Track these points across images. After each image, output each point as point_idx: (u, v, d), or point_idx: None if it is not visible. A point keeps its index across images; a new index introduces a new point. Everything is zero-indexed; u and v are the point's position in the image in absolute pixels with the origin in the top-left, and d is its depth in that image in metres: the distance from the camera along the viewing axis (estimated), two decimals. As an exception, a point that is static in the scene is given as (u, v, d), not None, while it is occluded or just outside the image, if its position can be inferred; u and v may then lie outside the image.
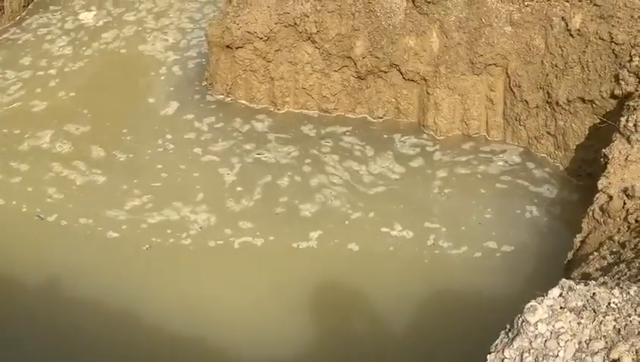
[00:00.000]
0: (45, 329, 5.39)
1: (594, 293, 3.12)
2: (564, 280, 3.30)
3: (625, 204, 5.15)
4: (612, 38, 6.08)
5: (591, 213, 5.30)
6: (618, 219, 5.18)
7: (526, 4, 6.35)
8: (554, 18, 6.28)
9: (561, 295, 3.15)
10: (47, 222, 6.06)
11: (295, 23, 6.66)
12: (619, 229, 5.11)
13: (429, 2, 6.50)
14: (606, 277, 4.50)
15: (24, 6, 7.98)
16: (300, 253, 5.89)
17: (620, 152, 5.39)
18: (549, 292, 3.14)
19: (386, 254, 5.89)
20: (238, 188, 6.32)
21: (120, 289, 5.57)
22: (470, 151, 6.53)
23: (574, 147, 6.35)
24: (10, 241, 5.97)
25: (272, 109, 6.84)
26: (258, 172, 6.44)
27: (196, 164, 6.48)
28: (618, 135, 5.53)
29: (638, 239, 4.86)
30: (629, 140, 5.41)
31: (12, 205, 6.22)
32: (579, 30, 6.21)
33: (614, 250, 4.97)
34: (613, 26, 6.10)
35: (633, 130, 5.42)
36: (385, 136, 6.57)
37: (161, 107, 6.85)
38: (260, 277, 5.70)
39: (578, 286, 3.20)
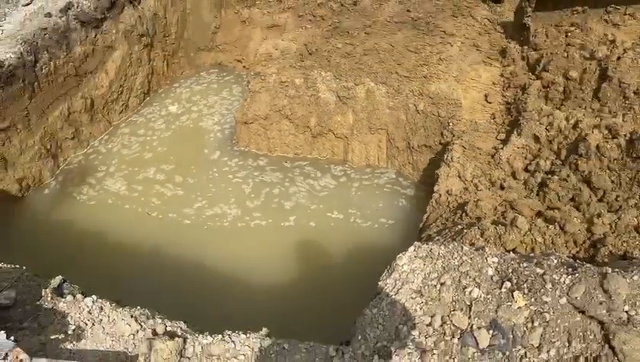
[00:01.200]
0: (152, 271, 5.64)
1: (431, 249, 3.26)
2: (415, 242, 3.42)
3: (447, 198, 5.38)
4: (439, 114, 6.32)
5: (431, 203, 5.49)
6: (444, 206, 5.39)
7: (396, 98, 6.60)
8: (410, 105, 6.54)
9: (414, 249, 3.28)
10: (152, 217, 6.28)
11: (279, 110, 6.88)
12: (444, 211, 5.30)
13: (347, 98, 6.75)
14: (439, 238, 4.78)
15: (139, 104, 7.98)
16: (285, 228, 6.14)
17: (444, 172, 5.61)
18: (409, 248, 3.31)
19: (329, 227, 6.12)
20: (252, 195, 6.53)
21: (191, 249, 5.79)
22: (370, 172, 6.76)
23: (422, 170, 6.56)
24: (133, 227, 6.14)
25: (269, 154, 7.00)
26: (262, 186, 6.62)
27: (229, 183, 6.67)
28: (443, 163, 5.75)
29: (453, 216, 5.10)
30: (448, 166, 5.64)
31: (133, 208, 6.39)
32: (423, 111, 6.46)
33: (442, 222, 5.21)
34: (439, 108, 6.34)
35: (450, 161, 5.66)
36: (326, 166, 6.80)
37: (210, 154, 7.07)
38: (264, 241, 5.99)
39: (423, 245, 3.33)
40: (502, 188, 5.19)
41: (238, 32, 8.54)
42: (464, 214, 4.73)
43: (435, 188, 5.42)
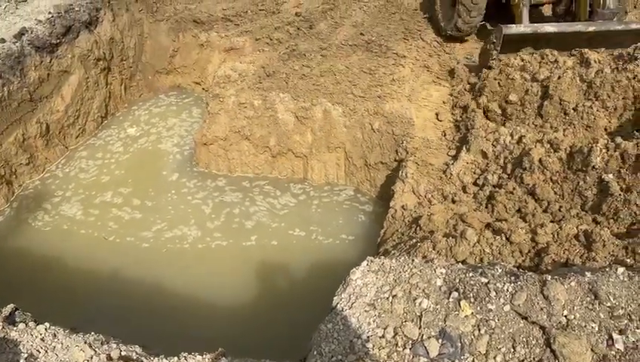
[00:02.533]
0: (110, 295, 5.44)
1: (383, 263, 3.27)
2: (368, 257, 3.38)
3: (403, 213, 5.45)
4: (393, 132, 6.46)
5: (387, 218, 5.53)
6: (399, 221, 5.44)
7: (352, 118, 6.71)
8: (365, 124, 6.65)
9: (367, 264, 3.29)
10: (109, 241, 6.07)
11: (238, 131, 6.88)
12: (400, 226, 5.34)
13: (305, 118, 6.82)
14: (395, 251, 4.83)
15: (97, 127, 7.81)
16: (247, 247, 6.04)
17: (399, 188, 5.69)
18: (362, 263, 3.31)
19: (291, 245, 6.07)
20: (212, 216, 6.40)
21: (150, 272, 5.64)
22: (329, 190, 6.76)
23: (379, 186, 6.65)
24: (89, 252, 5.94)
25: (229, 174, 6.93)
26: (222, 207, 6.52)
27: (188, 205, 6.52)
28: (398, 180, 5.84)
29: (408, 230, 5.17)
30: (403, 182, 5.74)
31: (89, 233, 6.19)
32: (378, 129, 6.58)
33: (399, 236, 5.26)
34: (393, 126, 6.48)
35: (404, 177, 5.76)
36: (286, 185, 6.76)
37: (169, 176, 6.92)
38: (226, 261, 5.88)
39: (376, 259, 3.33)
40: (453, 201, 5.31)
41: (196, 55, 8.53)
42: (418, 228, 4.81)
43: (391, 203, 5.49)
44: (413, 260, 3.21)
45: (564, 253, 3.73)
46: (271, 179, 6.97)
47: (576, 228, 3.90)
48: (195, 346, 3.21)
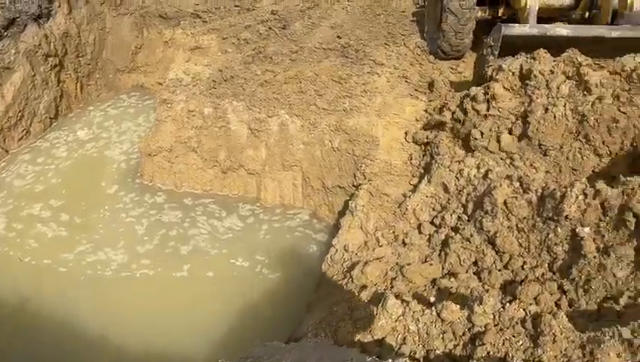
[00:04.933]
0: (10, 328, 4.93)
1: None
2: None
3: (343, 255, 4.82)
4: (354, 152, 5.81)
5: (326, 260, 4.88)
6: (338, 265, 4.77)
7: (311, 133, 6.07)
8: (325, 141, 6.03)
9: None
10: (24, 262, 5.54)
11: (185, 142, 6.32)
12: (337, 272, 4.69)
13: (260, 131, 6.20)
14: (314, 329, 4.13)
15: (45, 129, 7.35)
16: (176, 279, 5.45)
17: (347, 222, 5.06)
18: None
19: (230, 278, 5.46)
20: (145, 238, 5.85)
21: (63, 304, 5.10)
22: (281, 213, 6.18)
23: (338, 212, 6.01)
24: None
25: (174, 190, 6.36)
26: (157, 227, 5.97)
27: (121, 223, 6.00)
28: (347, 211, 5.22)
29: (343, 280, 4.47)
30: (352, 215, 5.09)
31: (4, 251, 5.67)
32: (338, 148, 5.94)
33: (332, 286, 4.59)
34: (354, 146, 5.82)
35: (354, 209, 5.12)
36: (234, 204, 6.18)
37: (107, 188, 6.41)
38: (149, 297, 5.27)
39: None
40: (404, 244, 4.61)
41: (160, 53, 7.99)
42: (351, 280, 4.14)
43: (334, 241, 4.88)
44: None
45: (503, 343, 3.00)
46: (220, 197, 6.38)
47: (524, 309, 3.14)
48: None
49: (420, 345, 3.22)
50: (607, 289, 3.41)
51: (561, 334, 2.84)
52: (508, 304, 3.18)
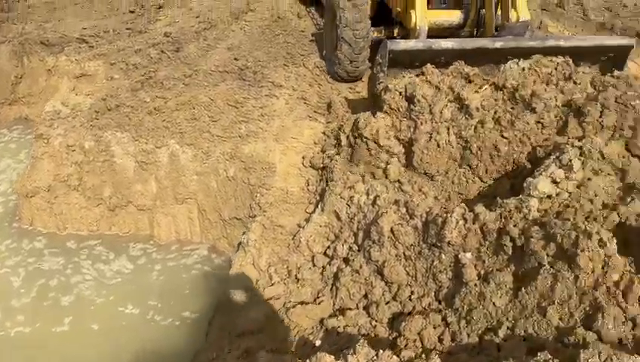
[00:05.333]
0: None
1: None
2: None
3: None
4: (249, 181, 5.53)
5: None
6: None
7: (205, 163, 5.74)
8: (220, 170, 5.73)
9: None
10: None
11: (65, 180, 5.80)
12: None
13: (148, 163, 5.79)
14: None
15: None
16: (56, 335, 4.86)
17: (238, 259, 4.90)
18: None
19: (118, 329, 4.93)
20: (22, 290, 5.24)
21: None
22: (177, 250, 5.79)
23: (237, 245, 5.67)
24: None
25: (58, 233, 5.83)
26: (36, 277, 5.38)
27: None
28: (240, 246, 4.97)
29: None
30: (244, 250, 4.89)
31: None
32: (233, 177, 5.66)
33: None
34: (250, 174, 5.55)
35: (246, 244, 4.89)
36: (124, 244, 5.71)
37: None
38: (25, 356, 4.69)
39: None
40: (297, 280, 4.37)
41: (44, 82, 7.40)
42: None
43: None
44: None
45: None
46: (109, 237, 5.88)
47: (398, 356, 2.95)
48: None
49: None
50: (488, 319, 3.33)
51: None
52: (382, 351, 2.98)
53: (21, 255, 5.57)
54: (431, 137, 4.48)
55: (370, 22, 5.82)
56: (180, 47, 7.33)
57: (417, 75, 4.92)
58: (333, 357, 3.03)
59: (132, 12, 8.44)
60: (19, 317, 5.01)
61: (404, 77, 5.03)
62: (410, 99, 4.72)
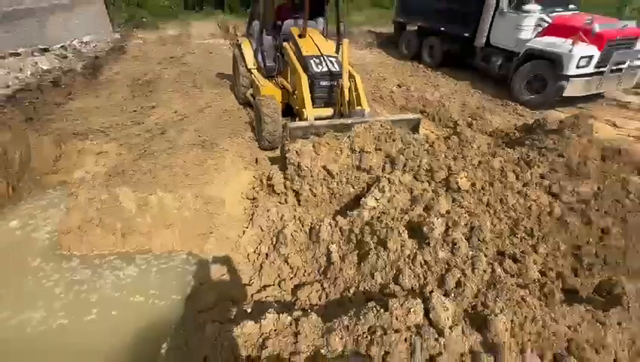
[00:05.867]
0: None
1: None
2: None
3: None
4: (209, 210, 5.56)
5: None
6: None
7: (180, 201, 5.72)
8: (190, 206, 5.71)
9: None
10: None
11: (90, 220, 5.60)
12: None
13: (144, 205, 5.72)
14: None
15: None
16: (87, 322, 4.46)
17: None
18: None
19: (131, 311, 4.60)
20: (61, 295, 4.89)
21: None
22: (167, 257, 5.55)
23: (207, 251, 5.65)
24: None
25: (87, 254, 5.54)
26: (71, 285, 5.04)
27: (41, 287, 4.99)
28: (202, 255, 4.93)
29: None
30: (207, 254, 4.82)
31: None
32: (199, 209, 5.66)
33: None
34: (209, 206, 5.59)
35: (209, 249, 4.85)
36: (132, 257, 5.47)
37: (32, 261, 5.36)
38: (64, 342, 4.28)
39: None
40: (237, 270, 4.48)
41: (76, 158, 7.11)
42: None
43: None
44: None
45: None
46: (122, 253, 5.65)
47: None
48: None
49: None
50: (345, 283, 3.56)
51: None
52: (282, 314, 3.02)
53: (61, 271, 5.29)
54: (310, 189, 4.80)
55: (281, 116, 6.13)
56: (164, 131, 7.35)
57: (306, 146, 5.07)
58: (253, 321, 2.97)
59: (135, 111, 8.34)
60: (59, 313, 4.75)
61: (300, 144, 5.27)
62: (299, 165, 5.02)
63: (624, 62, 6.80)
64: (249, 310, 3.36)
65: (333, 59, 5.40)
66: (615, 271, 3.37)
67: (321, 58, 5.32)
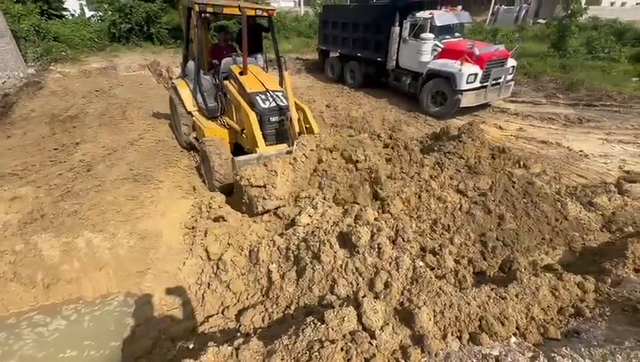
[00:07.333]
0: None
1: None
2: None
3: None
4: (145, 245, 5.04)
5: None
6: None
7: (112, 240, 5.11)
8: (124, 243, 5.12)
9: None
10: None
11: (1, 276, 4.68)
12: None
13: (69, 250, 4.99)
14: None
15: None
16: None
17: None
18: None
19: None
20: None
21: None
22: (101, 302, 4.84)
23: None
24: None
25: (2, 314, 4.56)
26: None
27: None
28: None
29: None
30: (145, 292, 4.33)
31: None
32: (133, 245, 5.10)
33: None
34: (145, 241, 5.06)
35: (146, 286, 4.35)
36: (58, 309, 4.70)
37: None
38: None
39: None
40: (182, 305, 4.09)
41: (-18, 208, 5.96)
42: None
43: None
44: None
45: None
46: (46, 306, 4.80)
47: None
48: None
49: None
50: (286, 300, 3.44)
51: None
52: (222, 346, 2.85)
53: (-33, 340, 4.31)
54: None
55: (230, 159, 5.28)
56: (91, 167, 6.60)
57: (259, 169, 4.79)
58: (193, 359, 2.50)
59: (55, 149, 7.37)
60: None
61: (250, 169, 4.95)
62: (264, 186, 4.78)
63: (500, 77, 7.93)
64: (191, 346, 3.05)
65: (279, 94, 5.02)
66: (512, 250, 3.79)
67: (267, 94, 5.00)
